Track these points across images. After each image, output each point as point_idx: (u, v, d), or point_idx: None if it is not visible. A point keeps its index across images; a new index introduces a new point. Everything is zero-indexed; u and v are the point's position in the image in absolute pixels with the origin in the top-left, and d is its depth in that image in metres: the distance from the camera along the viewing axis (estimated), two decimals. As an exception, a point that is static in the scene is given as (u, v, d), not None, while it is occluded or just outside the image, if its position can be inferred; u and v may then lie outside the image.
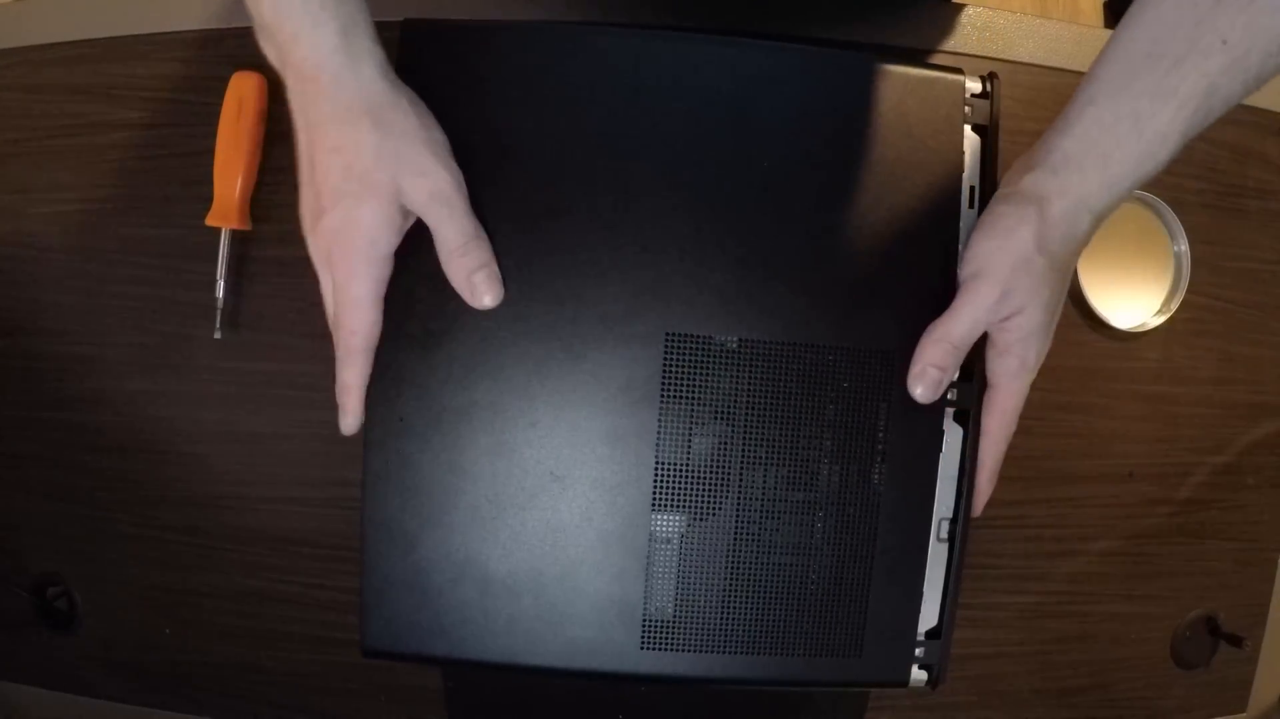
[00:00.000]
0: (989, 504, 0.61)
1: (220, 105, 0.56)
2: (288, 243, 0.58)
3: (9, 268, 0.61)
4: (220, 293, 0.56)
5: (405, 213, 0.40)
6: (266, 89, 0.56)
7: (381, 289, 0.41)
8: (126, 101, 0.59)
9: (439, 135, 0.40)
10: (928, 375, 0.43)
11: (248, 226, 0.57)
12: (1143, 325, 0.63)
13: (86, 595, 0.61)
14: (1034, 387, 0.62)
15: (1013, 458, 0.62)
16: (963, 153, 0.47)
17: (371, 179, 0.38)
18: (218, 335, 0.57)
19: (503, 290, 0.42)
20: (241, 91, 0.55)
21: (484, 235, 0.42)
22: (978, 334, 0.43)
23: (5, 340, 0.61)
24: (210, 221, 0.56)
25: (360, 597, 0.46)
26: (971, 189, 0.48)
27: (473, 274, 0.41)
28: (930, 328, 0.44)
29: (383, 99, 0.38)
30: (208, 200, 0.56)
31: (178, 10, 0.59)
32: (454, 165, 0.40)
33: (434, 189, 0.39)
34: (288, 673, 0.61)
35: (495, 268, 0.42)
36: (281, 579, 0.60)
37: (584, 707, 0.60)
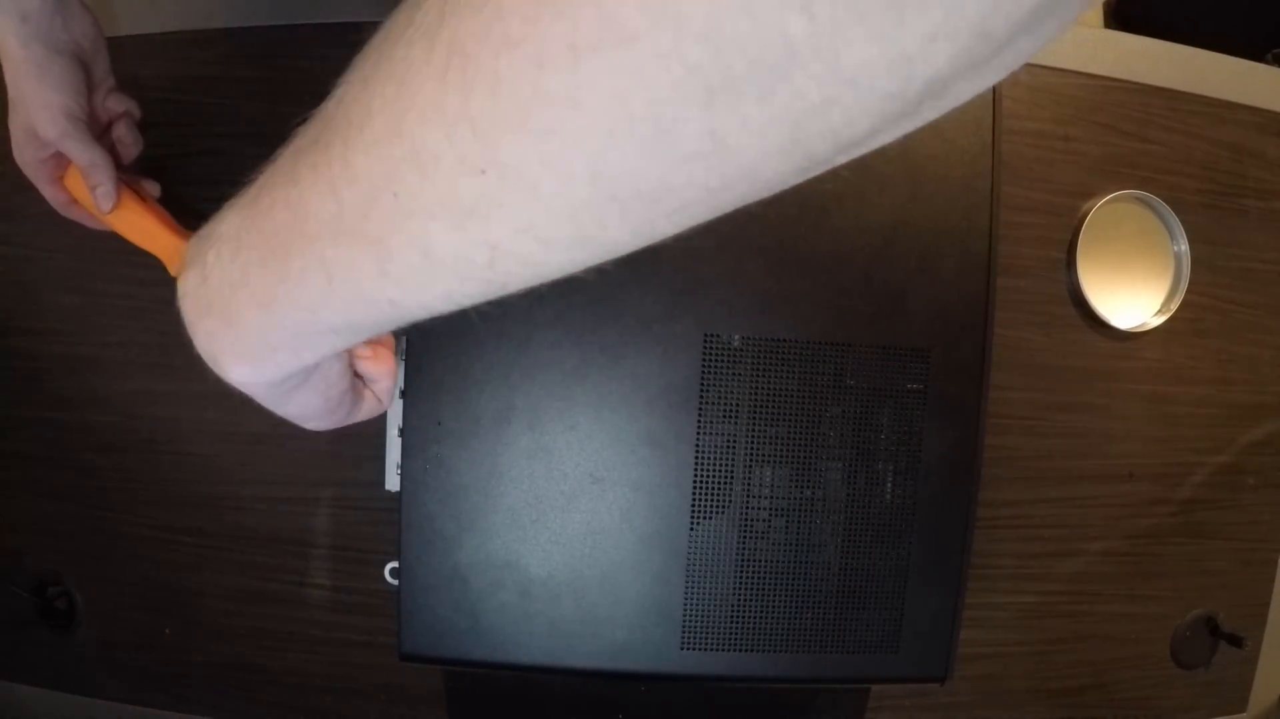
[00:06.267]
0: (989, 504, 0.62)
1: (222, 105, 0.56)
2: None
3: (9, 268, 0.61)
4: None
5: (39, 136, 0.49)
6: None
7: (43, 165, 0.50)
8: (126, 101, 0.59)
9: (52, 97, 0.47)
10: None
11: None
12: (1143, 325, 0.63)
13: (86, 595, 0.61)
14: (1034, 386, 0.63)
15: (1013, 458, 0.63)
16: (992, 153, 0.48)
17: (13, 116, 0.48)
18: None
19: (115, 202, 0.49)
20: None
21: (103, 163, 0.48)
22: None
23: (5, 340, 0.61)
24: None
25: (398, 601, 0.46)
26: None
27: (94, 190, 0.48)
28: None
29: (18, 63, 0.46)
30: (208, 200, 0.56)
31: (178, 10, 0.59)
32: (60, 119, 0.47)
33: (45, 134, 0.47)
34: (288, 673, 0.61)
35: (110, 186, 0.49)
36: (281, 579, 0.60)
37: (583, 706, 0.60)
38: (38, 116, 0.47)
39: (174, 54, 0.59)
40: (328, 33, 0.58)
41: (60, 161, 0.50)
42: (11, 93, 0.48)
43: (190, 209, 0.58)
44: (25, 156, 0.50)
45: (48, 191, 0.52)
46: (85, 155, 0.48)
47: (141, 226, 0.50)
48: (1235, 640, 0.65)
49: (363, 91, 0.21)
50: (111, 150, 0.52)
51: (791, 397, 0.46)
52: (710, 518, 0.46)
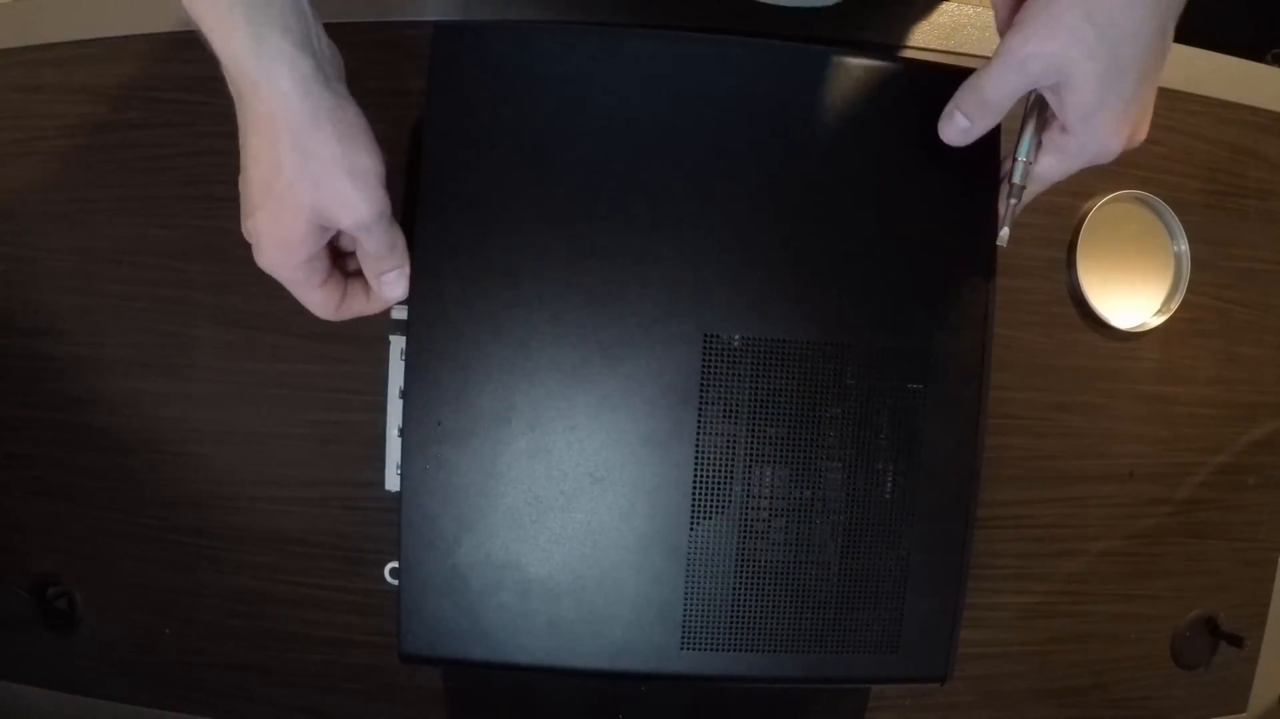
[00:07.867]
0: (989, 504, 0.62)
1: (220, 105, 0.56)
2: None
3: (9, 268, 0.61)
4: None
5: (326, 226, 0.39)
6: None
7: (311, 266, 0.41)
8: (126, 101, 0.59)
9: (364, 161, 0.38)
10: (952, 117, 0.43)
11: None
12: (1143, 325, 0.63)
13: (86, 595, 0.61)
14: (1034, 386, 0.63)
15: (1013, 458, 0.63)
16: (994, 152, 0.48)
17: (288, 200, 0.37)
18: None
19: (406, 289, 0.44)
20: None
21: (402, 242, 0.42)
22: (1009, 91, 0.41)
23: (5, 340, 0.61)
24: None
25: (398, 601, 0.46)
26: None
27: (382, 275, 0.42)
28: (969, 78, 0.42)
29: (302, 118, 0.36)
30: (208, 200, 0.56)
31: (177, 10, 0.59)
32: (378, 192, 0.39)
33: (355, 220, 0.38)
34: (288, 673, 0.61)
35: (406, 268, 0.43)
36: (281, 579, 0.60)
37: (583, 706, 0.60)
38: (339, 192, 0.36)
39: (174, 54, 0.59)
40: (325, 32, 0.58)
41: (326, 255, 0.41)
42: (269, 172, 0.36)
43: (186, 208, 0.58)
44: (295, 256, 0.39)
45: (317, 297, 0.42)
46: (388, 235, 0.39)
47: None
48: (1235, 640, 0.65)
49: None
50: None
51: (791, 396, 0.46)
52: (710, 518, 0.46)
